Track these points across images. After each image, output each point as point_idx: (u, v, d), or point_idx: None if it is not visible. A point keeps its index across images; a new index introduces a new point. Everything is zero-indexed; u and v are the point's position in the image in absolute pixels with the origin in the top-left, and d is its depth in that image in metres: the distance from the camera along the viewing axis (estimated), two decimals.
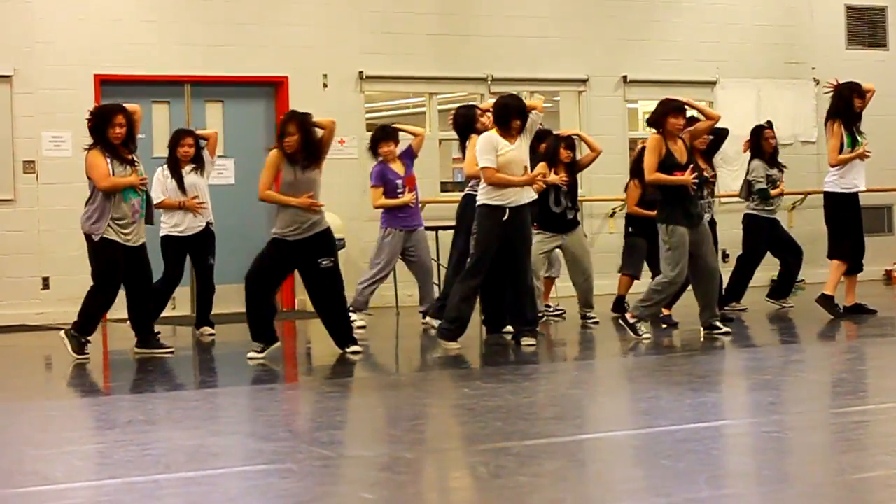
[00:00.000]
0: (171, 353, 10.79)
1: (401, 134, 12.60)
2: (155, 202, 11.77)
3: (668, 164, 10.66)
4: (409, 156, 12.59)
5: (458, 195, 12.51)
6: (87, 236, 10.42)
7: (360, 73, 15.55)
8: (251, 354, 10.14)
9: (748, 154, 13.60)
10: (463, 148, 11.78)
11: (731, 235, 14.23)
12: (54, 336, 11.37)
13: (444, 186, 16.15)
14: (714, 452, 6.39)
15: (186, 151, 11.95)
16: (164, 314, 12.13)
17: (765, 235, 13.47)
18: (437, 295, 12.55)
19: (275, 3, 15.22)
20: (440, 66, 15.94)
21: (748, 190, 13.44)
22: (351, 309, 12.10)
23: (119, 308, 10.71)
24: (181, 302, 14.10)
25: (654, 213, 12.11)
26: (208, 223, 12.05)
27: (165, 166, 12.03)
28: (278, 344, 10.37)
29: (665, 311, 11.72)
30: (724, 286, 13.06)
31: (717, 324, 11.00)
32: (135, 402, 8.49)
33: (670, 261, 10.69)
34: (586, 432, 7.13)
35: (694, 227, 10.74)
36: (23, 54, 14.19)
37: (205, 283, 12.15)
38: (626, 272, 12.99)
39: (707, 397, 8.05)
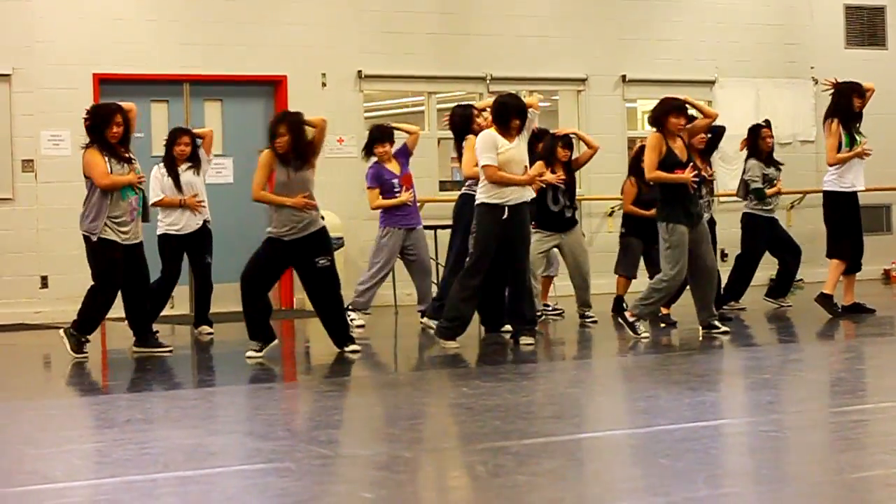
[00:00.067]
0: (170, 352, 10.79)
1: (395, 133, 12.60)
2: (154, 200, 11.80)
3: (668, 162, 10.66)
4: (404, 154, 12.58)
5: (456, 194, 12.50)
6: (86, 237, 10.42)
7: (359, 72, 15.55)
8: (249, 353, 10.15)
9: (745, 153, 13.60)
10: (458, 148, 11.75)
11: (729, 235, 14.23)
12: (53, 335, 11.37)
13: (443, 185, 16.15)
14: (713, 451, 6.39)
15: (183, 150, 11.97)
16: (162, 313, 12.14)
17: (763, 235, 13.46)
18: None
19: (274, 3, 15.22)
20: (439, 66, 15.94)
21: (745, 189, 13.44)
22: (350, 308, 12.11)
23: (117, 307, 10.70)
24: (180, 301, 14.10)
25: (651, 212, 12.16)
26: (205, 221, 12.07)
27: (162, 165, 12.04)
28: (276, 342, 10.38)
29: (664, 311, 11.72)
30: (723, 285, 13.08)
31: (716, 323, 11.01)
32: (133, 401, 8.48)
33: (670, 259, 10.69)
34: (585, 431, 7.13)
35: (694, 227, 10.75)
36: (22, 53, 14.20)
37: (202, 281, 12.16)
38: (621, 273, 12.99)
39: (706, 396, 8.05)
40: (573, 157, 12.50)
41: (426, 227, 13.02)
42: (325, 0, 15.50)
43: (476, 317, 11.19)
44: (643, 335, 10.83)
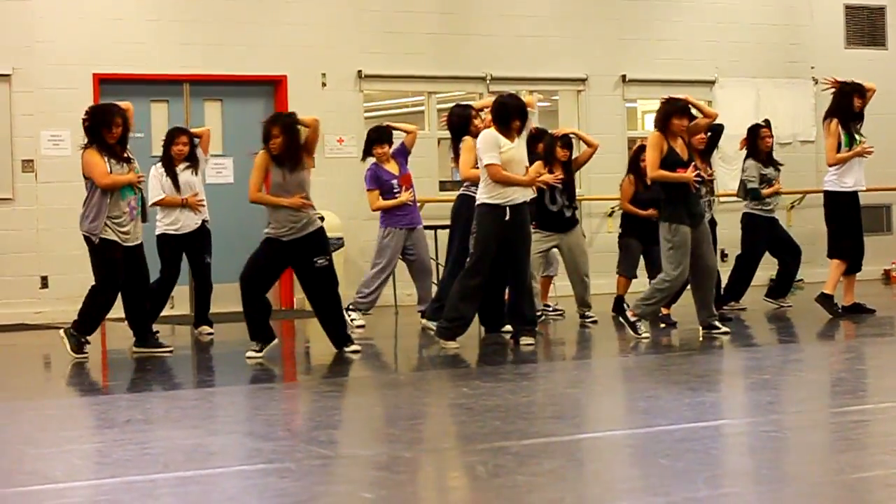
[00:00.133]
0: (170, 352, 10.79)
1: (394, 132, 12.59)
2: (154, 200, 11.81)
3: (670, 160, 10.65)
4: (402, 153, 12.57)
5: (456, 195, 12.49)
6: (87, 238, 10.42)
7: (359, 72, 15.55)
8: (249, 353, 10.15)
9: (745, 152, 13.60)
10: (455, 149, 11.72)
11: (729, 235, 14.23)
12: (53, 335, 11.37)
13: (443, 185, 16.15)
14: (713, 452, 6.39)
15: (181, 150, 11.98)
16: (162, 313, 12.14)
17: (764, 235, 13.46)
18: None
19: (274, 3, 15.22)
20: (439, 66, 15.95)
21: (744, 189, 13.44)
22: (351, 308, 12.11)
23: (118, 308, 10.70)
24: (179, 301, 14.11)
25: (647, 212, 12.16)
26: (204, 221, 12.08)
27: (160, 164, 12.05)
28: (276, 342, 10.38)
29: (664, 311, 11.72)
30: (724, 286, 13.08)
31: (716, 323, 11.00)
32: (133, 402, 8.48)
33: (672, 259, 10.68)
34: (585, 431, 7.12)
35: (696, 227, 10.74)
36: (22, 53, 14.20)
37: (202, 281, 12.17)
38: (621, 273, 12.99)
39: (706, 397, 8.04)
40: (573, 157, 12.49)
41: (426, 227, 13.02)
42: (325, 0, 15.50)
43: (476, 317, 11.19)
44: (644, 335, 10.83)
